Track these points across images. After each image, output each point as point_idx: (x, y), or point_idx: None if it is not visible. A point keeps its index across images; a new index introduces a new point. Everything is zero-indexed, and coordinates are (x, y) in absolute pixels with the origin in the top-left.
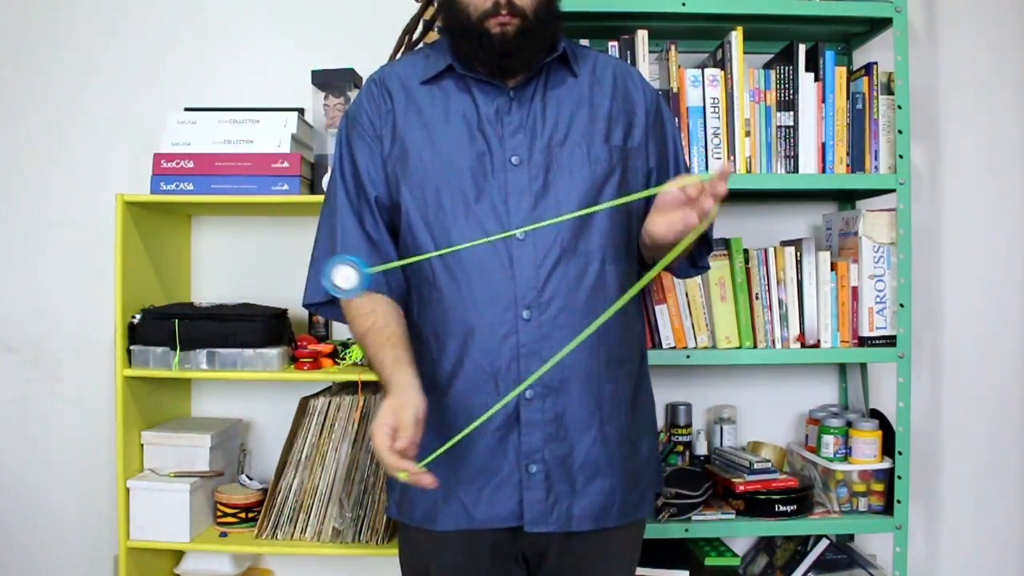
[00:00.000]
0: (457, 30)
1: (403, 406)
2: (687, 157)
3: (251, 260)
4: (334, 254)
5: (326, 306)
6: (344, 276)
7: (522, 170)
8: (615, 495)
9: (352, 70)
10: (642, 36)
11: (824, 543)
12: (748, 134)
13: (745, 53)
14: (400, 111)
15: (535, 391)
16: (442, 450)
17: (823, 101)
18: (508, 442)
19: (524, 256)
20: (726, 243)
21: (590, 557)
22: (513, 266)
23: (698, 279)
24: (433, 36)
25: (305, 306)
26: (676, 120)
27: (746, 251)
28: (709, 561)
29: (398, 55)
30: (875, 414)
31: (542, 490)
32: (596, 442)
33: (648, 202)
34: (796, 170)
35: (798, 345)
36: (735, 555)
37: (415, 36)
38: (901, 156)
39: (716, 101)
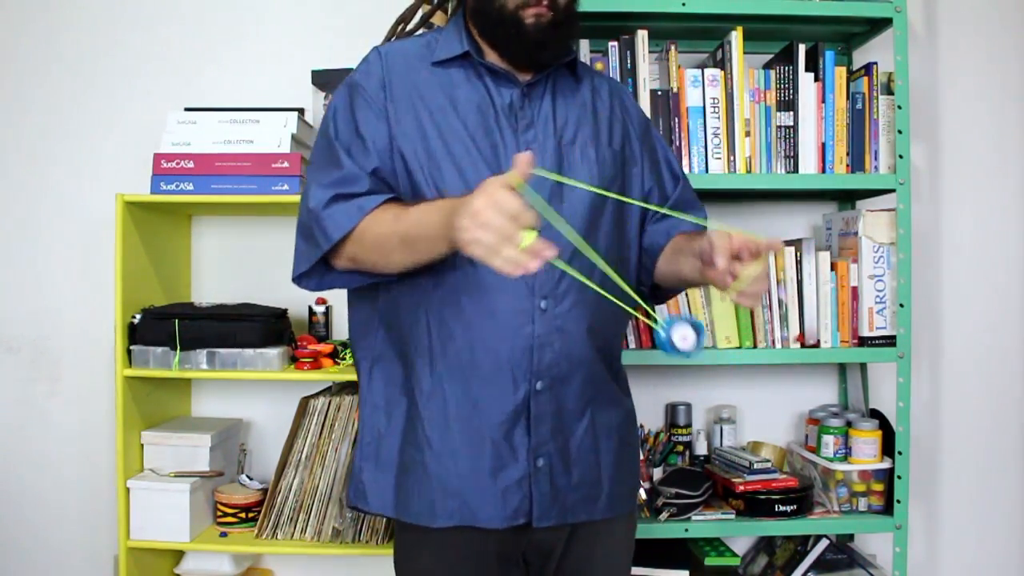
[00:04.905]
0: (493, 17)
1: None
2: (687, 160)
3: (251, 260)
4: (339, 183)
5: (313, 277)
6: (682, 336)
7: (536, 165)
8: (601, 486)
9: (352, 70)
10: (642, 36)
11: (824, 543)
12: (748, 134)
13: (745, 53)
14: (413, 89)
15: (545, 382)
16: None
17: (823, 101)
18: (515, 436)
19: None
20: None
21: (592, 555)
22: None
23: None
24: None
25: (295, 280)
26: (676, 121)
27: None
28: (709, 561)
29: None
30: (875, 414)
31: (547, 483)
32: (588, 433)
33: (643, 220)
34: (796, 170)
35: (798, 345)
36: (735, 555)
37: (409, 27)
38: (901, 156)
39: (716, 101)
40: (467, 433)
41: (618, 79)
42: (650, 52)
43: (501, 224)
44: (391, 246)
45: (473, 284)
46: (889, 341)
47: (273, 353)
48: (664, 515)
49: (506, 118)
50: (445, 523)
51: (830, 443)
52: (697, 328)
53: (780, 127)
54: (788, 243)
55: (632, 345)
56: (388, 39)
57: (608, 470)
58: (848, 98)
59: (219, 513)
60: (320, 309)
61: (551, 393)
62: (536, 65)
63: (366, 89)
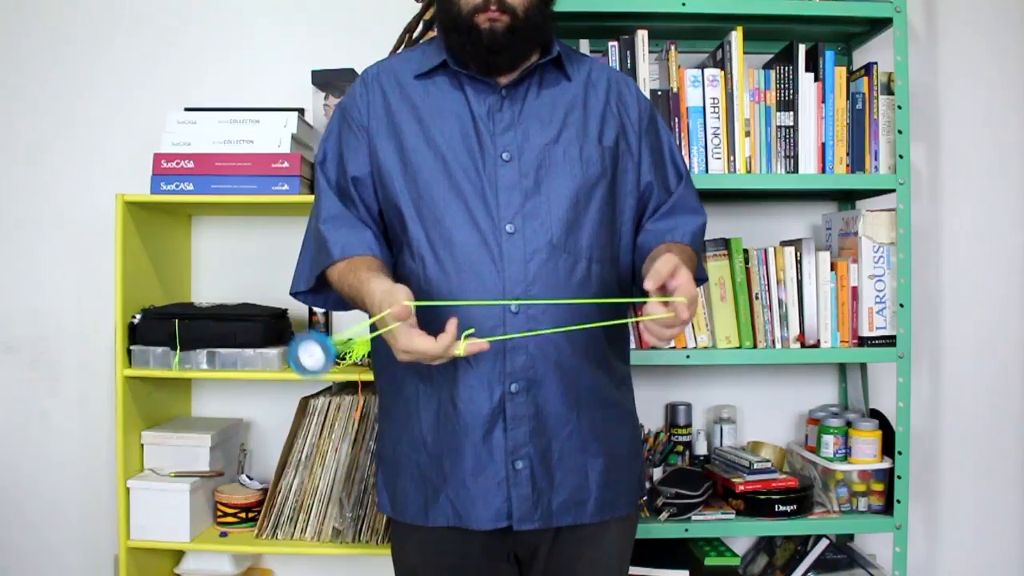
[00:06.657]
0: (448, 25)
1: (398, 292)
2: (688, 160)
3: (251, 260)
4: (318, 225)
5: (309, 294)
6: (309, 353)
7: (512, 166)
8: (588, 490)
9: (352, 70)
10: (642, 36)
11: (824, 543)
12: (748, 134)
13: (745, 53)
14: (394, 104)
15: (519, 385)
16: None
17: (823, 101)
18: (493, 439)
19: (514, 250)
20: (726, 243)
21: (580, 555)
22: (503, 259)
23: None
24: (432, 35)
25: (292, 295)
26: (676, 121)
27: (746, 251)
28: (709, 561)
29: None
30: (875, 414)
31: (528, 486)
32: (572, 436)
33: (639, 217)
34: (796, 170)
35: (798, 345)
36: (735, 555)
37: (415, 35)
38: (901, 156)
39: (716, 101)
40: (451, 436)
41: None
42: (650, 52)
43: (430, 359)
44: (343, 294)
45: (447, 290)
46: (889, 341)
47: (273, 353)
48: (664, 515)
49: (484, 124)
50: (434, 524)
51: (830, 443)
52: (326, 347)
53: (780, 127)
54: (788, 243)
55: (632, 345)
56: (395, 49)
57: (597, 474)
58: (848, 98)
59: (219, 513)
60: (320, 309)
61: (528, 395)
62: (494, 70)
63: (350, 112)
